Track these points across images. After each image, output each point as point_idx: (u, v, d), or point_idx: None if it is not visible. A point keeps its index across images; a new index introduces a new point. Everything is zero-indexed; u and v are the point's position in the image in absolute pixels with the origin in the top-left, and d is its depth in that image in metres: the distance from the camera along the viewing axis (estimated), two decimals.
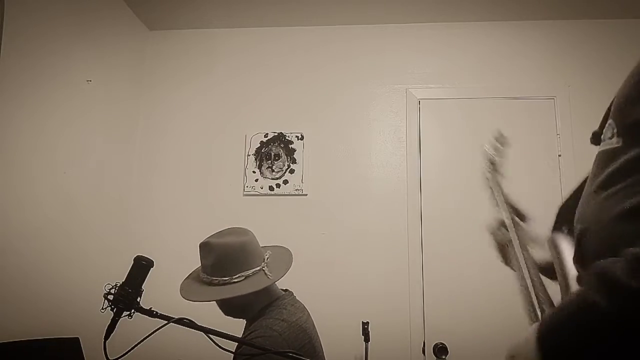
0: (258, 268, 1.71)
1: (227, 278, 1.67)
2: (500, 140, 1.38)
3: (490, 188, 1.28)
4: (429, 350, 2.48)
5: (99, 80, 2.57)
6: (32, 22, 2.11)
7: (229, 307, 1.74)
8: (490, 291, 2.53)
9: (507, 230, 1.07)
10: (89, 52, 2.52)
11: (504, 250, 1.07)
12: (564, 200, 0.93)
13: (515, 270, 0.98)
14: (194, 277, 1.80)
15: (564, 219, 0.90)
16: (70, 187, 2.36)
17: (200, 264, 1.78)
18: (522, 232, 1.03)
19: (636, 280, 0.56)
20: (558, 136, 2.69)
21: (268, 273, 1.71)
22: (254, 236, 1.78)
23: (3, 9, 1.88)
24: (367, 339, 2.38)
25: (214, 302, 1.76)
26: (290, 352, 1.28)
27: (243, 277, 1.68)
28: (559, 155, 2.67)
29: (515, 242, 1.01)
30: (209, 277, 1.71)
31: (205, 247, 1.71)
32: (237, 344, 1.52)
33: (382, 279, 2.62)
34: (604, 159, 0.75)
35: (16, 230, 2.01)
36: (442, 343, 2.46)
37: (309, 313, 1.79)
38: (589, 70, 2.77)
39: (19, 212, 2.03)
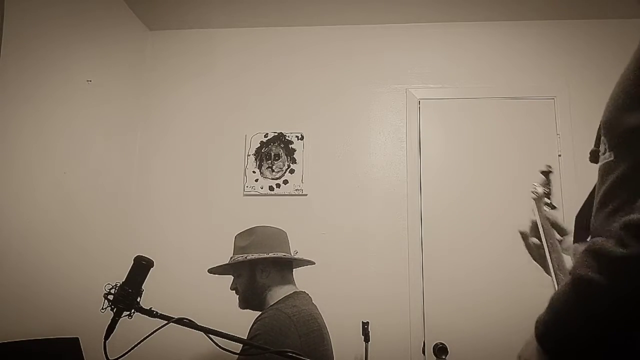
0: (288, 254, 1.91)
1: (261, 254, 1.82)
2: (547, 172, 1.32)
3: (534, 212, 1.22)
4: (429, 350, 2.48)
5: (99, 80, 2.57)
6: (32, 22, 2.11)
7: (251, 291, 1.84)
8: (490, 291, 2.53)
9: (539, 240, 1.04)
10: (89, 52, 2.52)
11: (541, 259, 1.04)
12: (579, 210, 0.93)
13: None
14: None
15: (582, 227, 0.90)
16: (70, 187, 2.36)
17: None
18: (554, 242, 1.01)
19: (624, 247, 0.55)
20: (558, 136, 2.69)
21: (296, 256, 1.92)
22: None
23: (3, 9, 1.88)
24: (367, 339, 2.38)
25: (233, 296, 1.90)
26: (290, 352, 1.28)
27: (273, 254, 1.84)
28: (559, 155, 2.66)
29: (547, 251, 0.99)
30: (242, 255, 1.84)
31: (245, 232, 1.90)
32: (236, 343, 1.52)
33: (382, 279, 2.62)
34: (602, 174, 0.76)
35: (16, 230, 2.01)
36: (442, 343, 2.46)
37: (321, 316, 1.87)
38: (589, 70, 2.77)
39: (19, 212, 2.03)
